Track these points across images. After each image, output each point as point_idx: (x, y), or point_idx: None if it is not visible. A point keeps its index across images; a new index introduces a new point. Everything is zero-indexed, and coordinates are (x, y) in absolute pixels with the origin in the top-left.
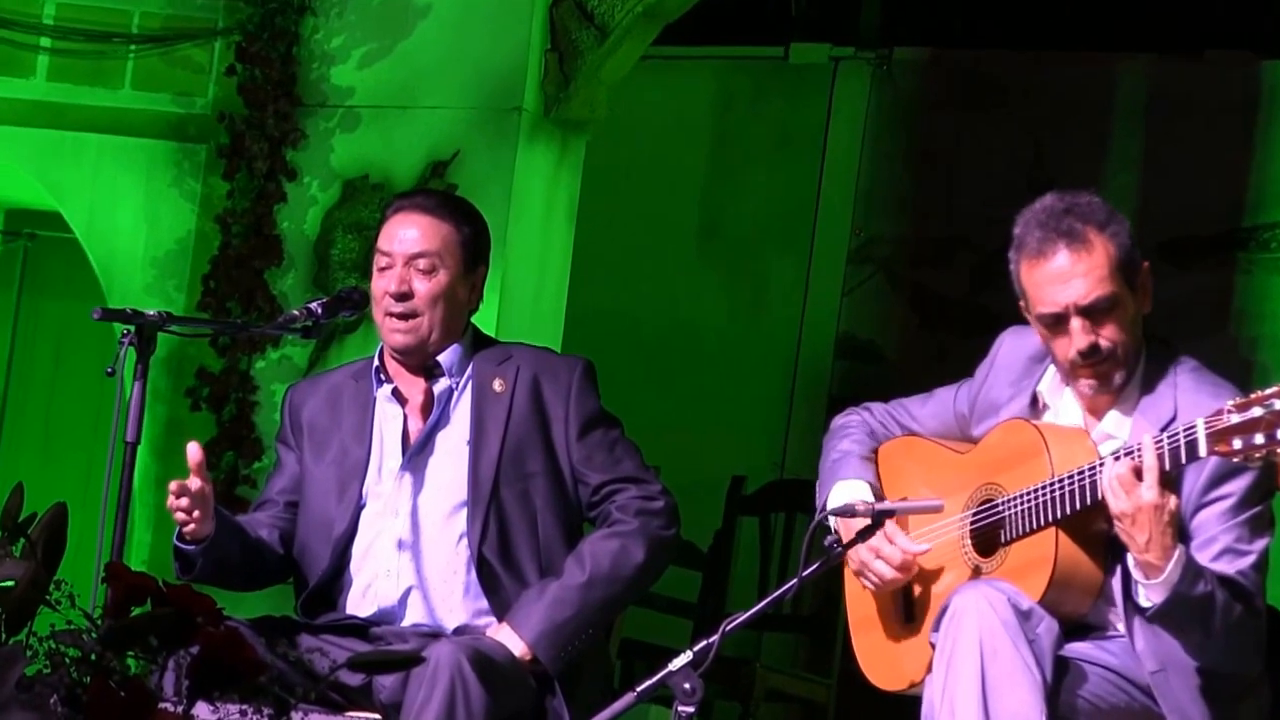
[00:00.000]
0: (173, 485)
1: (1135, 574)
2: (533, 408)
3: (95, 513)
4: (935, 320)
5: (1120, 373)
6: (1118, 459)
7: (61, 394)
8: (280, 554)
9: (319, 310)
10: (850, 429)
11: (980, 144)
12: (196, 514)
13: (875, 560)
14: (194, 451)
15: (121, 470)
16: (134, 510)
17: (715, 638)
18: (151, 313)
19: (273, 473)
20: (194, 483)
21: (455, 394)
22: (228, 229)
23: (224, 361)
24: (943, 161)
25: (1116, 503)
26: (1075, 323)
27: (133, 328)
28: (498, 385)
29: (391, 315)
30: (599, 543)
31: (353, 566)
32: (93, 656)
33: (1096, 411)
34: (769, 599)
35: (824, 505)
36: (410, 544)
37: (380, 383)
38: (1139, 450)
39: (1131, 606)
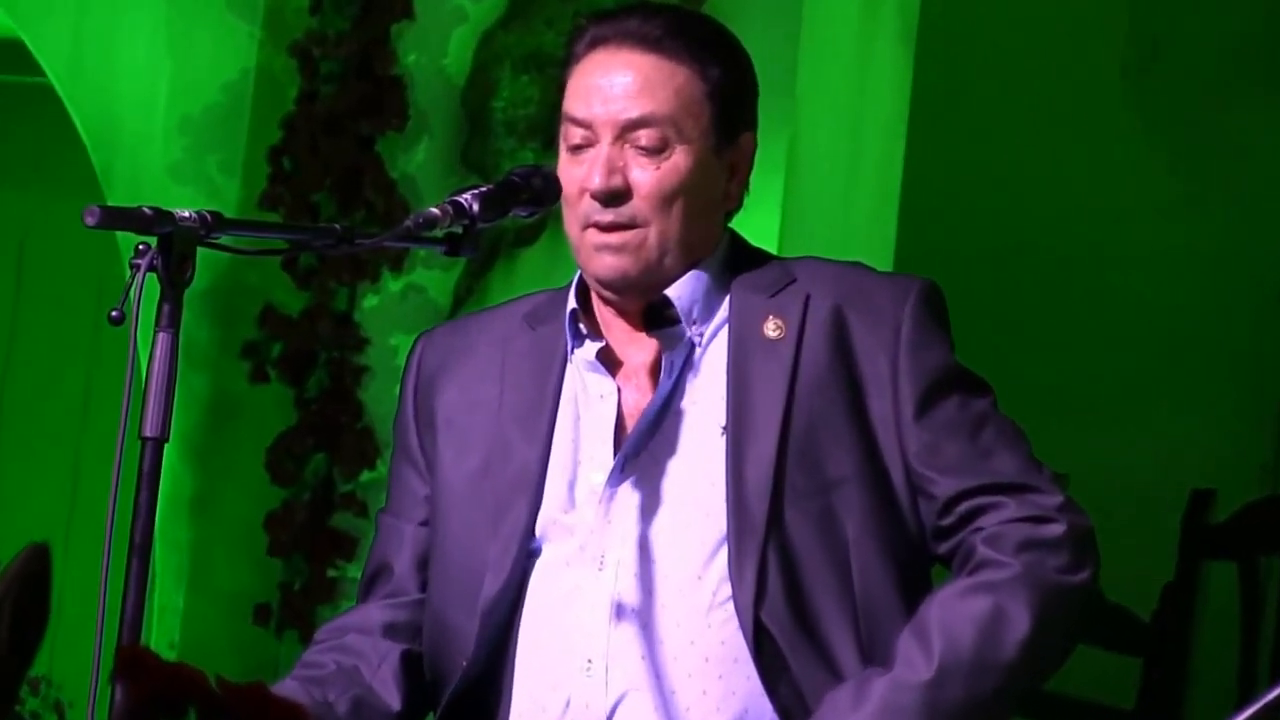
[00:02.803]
0: None
1: None
2: (835, 364)
3: (92, 559)
4: None
5: None
6: None
7: (29, 352)
8: (403, 704)
9: (474, 206)
10: None
11: None
12: None
13: None
14: None
15: (138, 486)
16: (158, 555)
17: None
18: (185, 213)
19: (390, 522)
20: None
21: (700, 350)
22: (312, 67)
23: (309, 297)
24: None
25: None
26: None
27: (153, 240)
28: (772, 328)
29: (595, 227)
30: (954, 602)
31: (521, 656)
32: None
33: None
34: (1260, 703)
35: None
36: (630, 614)
37: (578, 339)
38: None
39: None
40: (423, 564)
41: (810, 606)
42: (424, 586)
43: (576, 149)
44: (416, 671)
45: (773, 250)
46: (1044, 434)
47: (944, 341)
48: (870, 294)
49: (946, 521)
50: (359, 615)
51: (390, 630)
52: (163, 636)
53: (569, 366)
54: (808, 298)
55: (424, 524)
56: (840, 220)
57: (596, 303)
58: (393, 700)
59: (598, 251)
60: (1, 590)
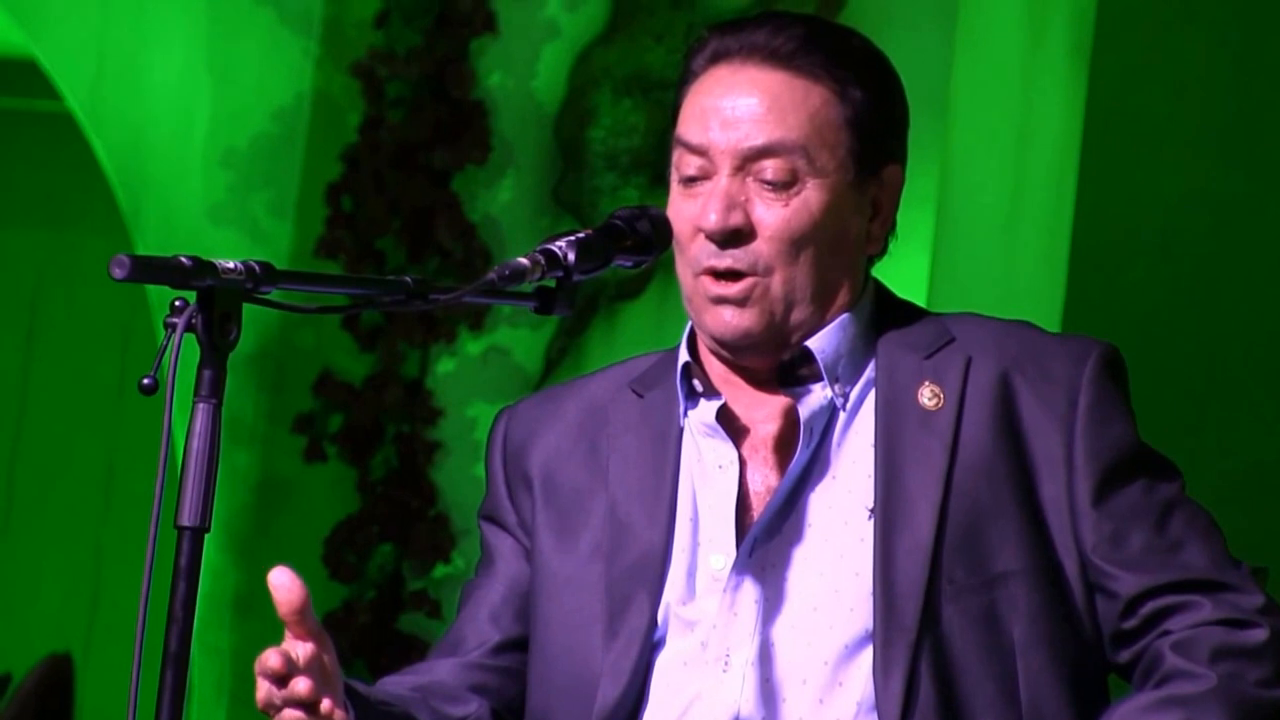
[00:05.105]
0: (268, 659)
1: None
2: (1001, 440)
3: (119, 669)
4: None
5: None
6: None
7: (42, 423)
8: None
9: (569, 255)
10: None
11: None
12: (324, 706)
13: None
14: (283, 585)
15: (173, 583)
16: (196, 664)
17: None
18: (230, 264)
19: (473, 582)
20: (299, 648)
21: (843, 416)
22: (377, 90)
23: (373, 361)
24: None
25: None
26: None
27: (191, 295)
28: (929, 396)
29: (710, 275)
30: (1138, 719)
31: None
32: None
33: None
34: None
35: None
36: None
37: (692, 398)
38: None
39: None
40: (509, 646)
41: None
42: (510, 663)
43: (690, 181)
44: None
45: (919, 300)
46: (1239, 522)
47: (1126, 416)
48: (1041, 358)
49: (1129, 624)
50: (440, 670)
51: (467, 701)
52: None
53: (687, 435)
54: (969, 361)
55: (519, 591)
56: (1000, 266)
57: (712, 361)
58: None
59: (714, 305)
60: (16, 709)
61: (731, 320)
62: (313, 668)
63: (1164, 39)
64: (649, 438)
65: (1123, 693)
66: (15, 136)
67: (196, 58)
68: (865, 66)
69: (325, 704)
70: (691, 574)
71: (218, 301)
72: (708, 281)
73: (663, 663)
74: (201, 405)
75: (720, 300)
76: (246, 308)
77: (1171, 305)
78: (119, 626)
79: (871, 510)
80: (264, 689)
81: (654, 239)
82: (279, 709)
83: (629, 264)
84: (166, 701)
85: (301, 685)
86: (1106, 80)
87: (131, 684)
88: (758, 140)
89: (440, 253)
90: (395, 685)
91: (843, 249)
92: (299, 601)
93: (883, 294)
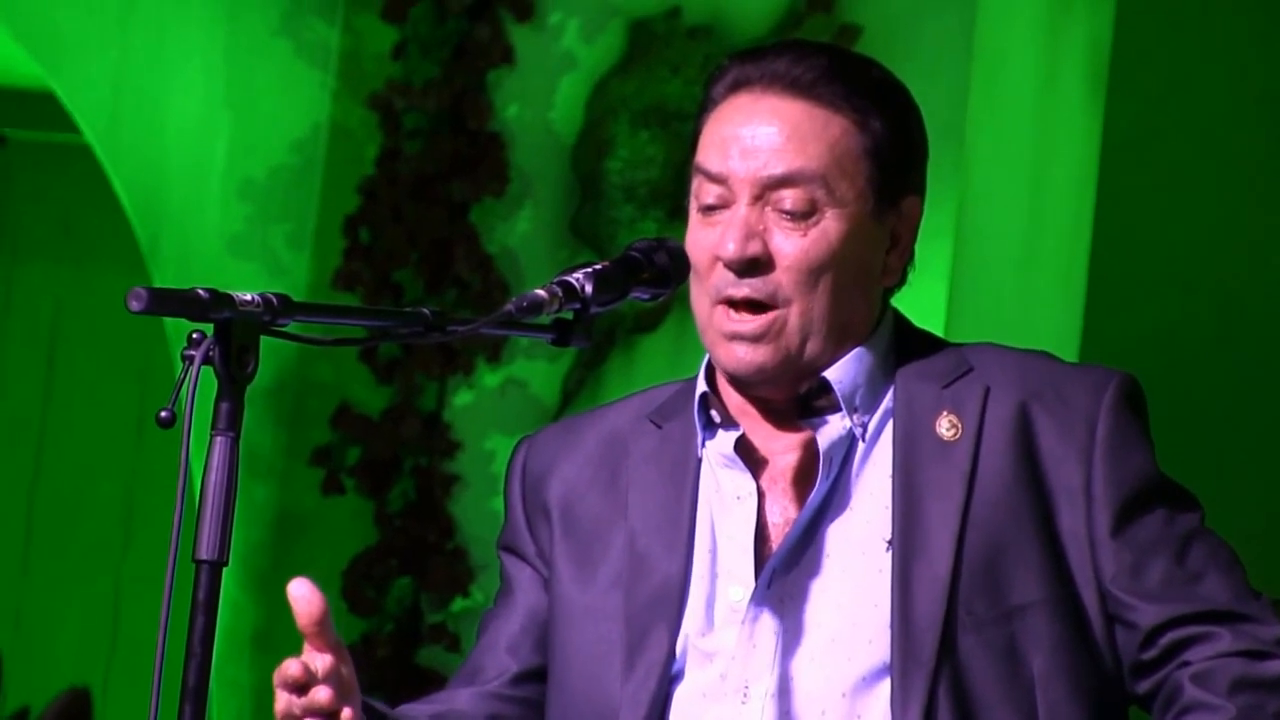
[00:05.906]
0: (288, 668)
1: None
2: (1019, 471)
3: (137, 704)
4: None
5: None
6: None
7: (61, 457)
8: None
9: (586, 287)
10: None
11: None
12: (345, 715)
13: None
14: (303, 596)
15: (191, 618)
16: (215, 699)
17: None
18: (247, 297)
19: (492, 611)
20: (318, 659)
21: (862, 447)
22: (395, 122)
23: (391, 393)
24: None
25: None
26: None
27: (209, 327)
28: (946, 427)
29: (727, 305)
30: None
31: None
32: None
33: None
34: None
35: None
36: None
37: (710, 428)
38: None
39: None
40: (527, 676)
41: None
42: (528, 694)
43: (709, 210)
44: None
45: (937, 330)
46: (1259, 555)
47: (1145, 445)
48: (1060, 388)
49: (1149, 655)
50: (461, 697)
51: (494, 719)
52: None
53: (705, 467)
54: (987, 391)
55: (538, 621)
56: (1017, 297)
57: (730, 392)
58: None
59: (729, 341)
60: None
61: (745, 356)
62: (331, 679)
63: (1179, 70)
64: (668, 468)
65: None
66: (33, 169)
67: (214, 90)
68: (886, 97)
69: (346, 713)
70: (710, 605)
71: (235, 334)
72: (723, 314)
73: (681, 694)
74: (219, 438)
75: (735, 337)
76: (264, 340)
77: (1187, 337)
78: (138, 660)
79: (889, 542)
80: (283, 700)
81: (671, 271)
82: (298, 719)
83: (646, 296)
84: None
85: (322, 694)
86: (1122, 111)
87: (150, 718)
88: (777, 170)
89: (458, 284)
90: (415, 712)
91: (861, 280)
92: (318, 613)
93: (901, 324)
